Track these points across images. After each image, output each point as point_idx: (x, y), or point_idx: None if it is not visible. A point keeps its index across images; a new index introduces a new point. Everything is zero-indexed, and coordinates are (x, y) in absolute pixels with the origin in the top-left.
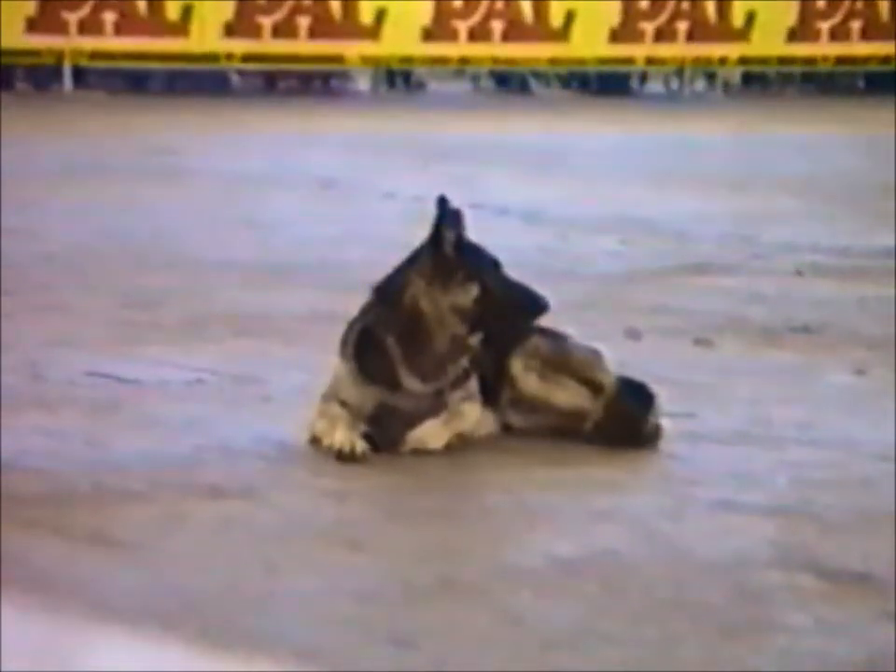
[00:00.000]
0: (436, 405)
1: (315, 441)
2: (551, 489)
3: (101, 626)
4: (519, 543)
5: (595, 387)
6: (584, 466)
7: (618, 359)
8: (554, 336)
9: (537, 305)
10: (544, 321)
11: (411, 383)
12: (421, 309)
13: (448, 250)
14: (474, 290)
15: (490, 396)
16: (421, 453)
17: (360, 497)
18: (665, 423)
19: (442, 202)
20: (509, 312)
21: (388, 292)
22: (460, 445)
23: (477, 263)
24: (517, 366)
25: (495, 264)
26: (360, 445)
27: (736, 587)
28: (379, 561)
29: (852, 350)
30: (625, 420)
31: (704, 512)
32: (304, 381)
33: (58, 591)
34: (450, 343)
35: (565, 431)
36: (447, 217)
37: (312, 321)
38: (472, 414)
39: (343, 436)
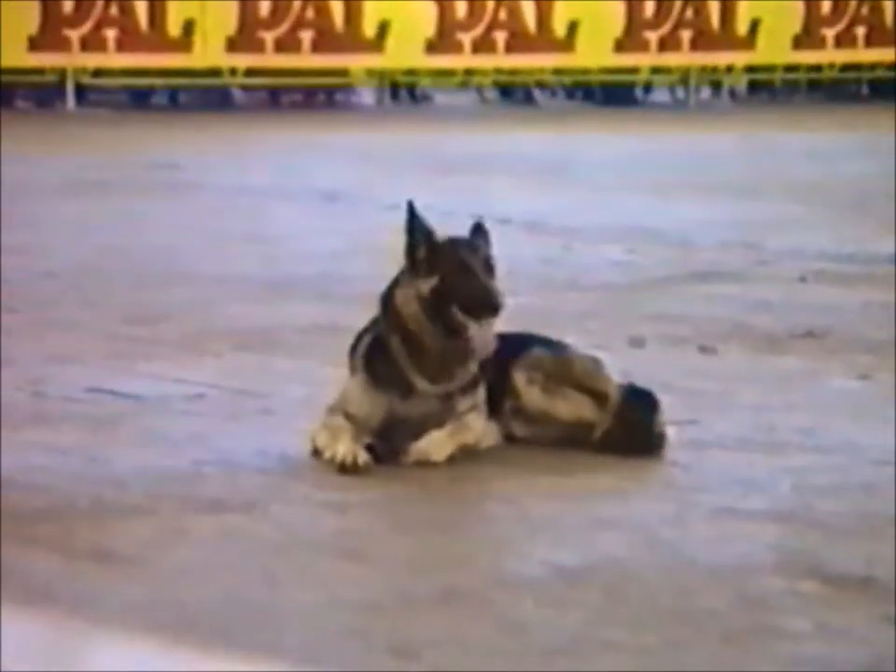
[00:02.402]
0: (444, 412)
1: (316, 453)
2: (553, 498)
3: (102, 640)
4: (521, 552)
5: (598, 397)
6: (587, 474)
7: (622, 368)
8: (557, 347)
9: (488, 304)
10: (545, 331)
11: (421, 384)
12: (399, 307)
13: (420, 255)
14: (433, 281)
15: (493, 407)
16: (423, 464)
17: (362, 509)
18: (669, 430)
19: (410, 207)
20: (465, 306)
21: (385, 298)
22: (463, 457)
23: (442, 257)
24: (520, 378)
25: (463, 262)
26: (362, 457)
27: (739, 593)
28: (381, 572)
29: (856, 355)
30: (634, 427)
31: (707, 519)
32: (306, 394)
33: (59, 605)
34: (438, 341)
35: (571, 441)
36: (415, 221)
37: (313, 334)
38: (477, 426)
39: (345, 448)
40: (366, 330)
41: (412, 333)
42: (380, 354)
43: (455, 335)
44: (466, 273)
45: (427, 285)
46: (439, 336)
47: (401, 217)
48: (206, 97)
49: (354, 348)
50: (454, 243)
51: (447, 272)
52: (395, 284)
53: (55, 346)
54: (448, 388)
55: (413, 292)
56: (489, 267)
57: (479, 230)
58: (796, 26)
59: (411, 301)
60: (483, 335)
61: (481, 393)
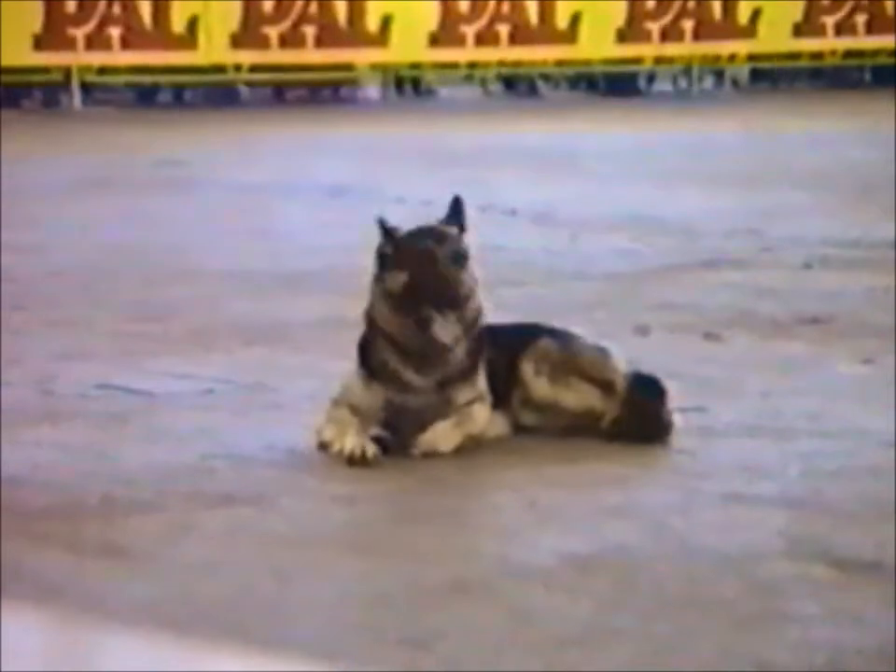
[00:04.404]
0: (442, 402)
1: (323, 446)
2: (561, 487)
3: (112, 636)
4: (530, 542)
5: (605, 387)
6: (594, 463)
7: (628, 356)
8: (563, 336)
9: (446, 295)
10: (552, 321)
11: (408, 375)
12: (372, 312)
13: (387, 251)
14: (402, 277)
15: (501, 397)
16: (432, 456)
17: (371, 501)
18: (675, 418)
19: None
20: (430, 300)
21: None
22: (471, 447)
23: (409, 251)
24: (527, 369)
25: (430, 254)
26: (371, 449)
27: (748, 579)
28: (390, 564)
29: (861, 340)
30: (642, 415)
31: (715, 506)
32: (314, 388)
33: (69, 602)
34: (411, 335)
35: (580, 430)
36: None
37: (321, 328)
38: (482, 416)
39: (353, 440)
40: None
41: (388, 333)
42: (371, 348)
43: (428, 330)
44: (431, 264)
45: (396, 282)
46: (413, 332)
47: (407, 210)
48: (211, 94)
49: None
50: (418, 234)
51: (414, 266)
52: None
53: (64, 344)
54: (438, 379)
55: (379, 291)
56: (457, 256)
57: (456, 205)
58: (797, 14)
59: (379, 302)
60: (447, 330)
61: (481, 383)
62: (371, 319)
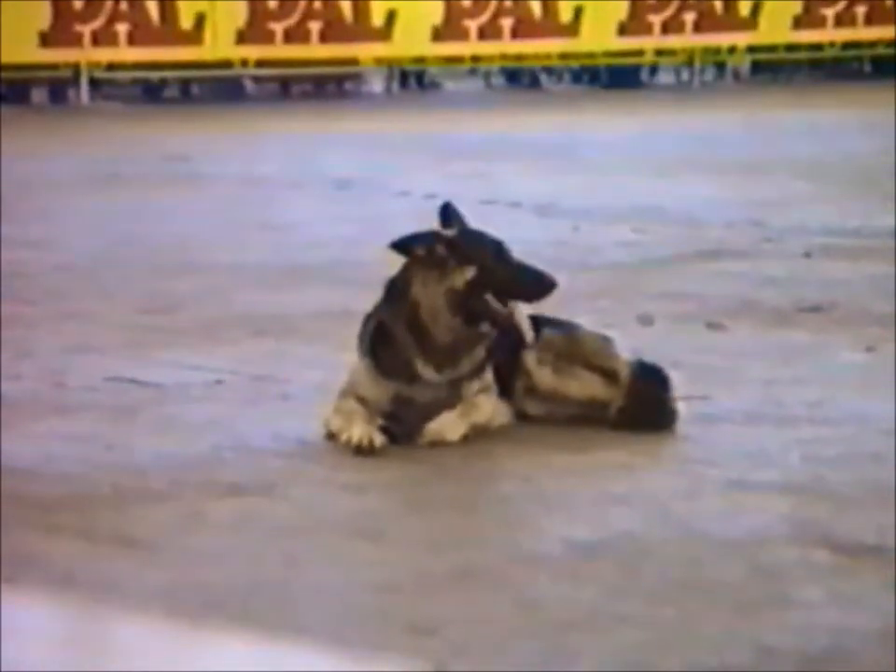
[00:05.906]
0: (452, 396)
1: (331, 436)
2: (567, 475)
3: (125, 624)
4: (536, 529)
5: (609, 375)
6: (599, 451)
7: (632, 346)
8: (566, 326)
9: (543, 284)
10: (556, 311)
11: (426, 372)
12: (418, 301)
13: (439, 251)
14: (469, 273)
15: (505, 387)
16: (438, 445)
17: (378, 490)
18: (679, 406)
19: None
20: (514, 292)
21: (396, 286)
22: (477, 436)
23: (473, 247)
24: (531, 359)
25: (497, 247)
26: (378, 439)
27: (752, 564)
28: (398, 551)
29: (862, 328)
30: (648, 404)
31: (719, 492)
32: (322, 378)
33: (82, 591)
34: (454, 332)
35: (586, 418)
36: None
37: (328, 319)
38: (488, 406)
39: (360, 430)
40: (370, 315)
41: (422, 324)
42: (384, 340)
43: (476, 324)
44: (505, 259)
45: (461, 278)
46: (456, 327)
47: (412, 204)
48: (218, 89)
49: (361, 332)
50: (478, 233)
51: (485, 261)
52: (409, 276)
53: (74, 337)
54: (454, 375)
55: (442, 289)
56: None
57: (446, 211)
58: (797, 6)
59: (437, 298)
60: (525, 318)
61: (488, 375)
62: (407, 311)
